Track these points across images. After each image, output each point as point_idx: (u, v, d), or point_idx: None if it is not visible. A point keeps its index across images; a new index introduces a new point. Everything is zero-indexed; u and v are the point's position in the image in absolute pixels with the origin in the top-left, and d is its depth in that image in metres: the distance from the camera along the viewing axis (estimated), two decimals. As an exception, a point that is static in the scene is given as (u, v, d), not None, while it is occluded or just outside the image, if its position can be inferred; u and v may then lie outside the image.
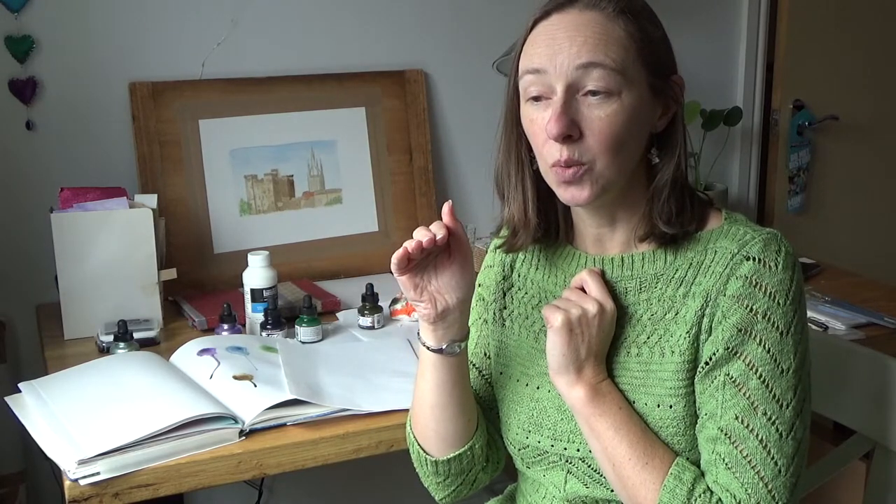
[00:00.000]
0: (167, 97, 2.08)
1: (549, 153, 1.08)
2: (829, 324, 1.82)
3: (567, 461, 1.15)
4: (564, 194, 1.10)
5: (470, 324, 1.22)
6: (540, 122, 1.08)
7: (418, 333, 1.19)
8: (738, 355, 1.04)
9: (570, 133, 1.05)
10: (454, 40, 2.36)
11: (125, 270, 1.79)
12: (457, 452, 1.22)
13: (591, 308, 1.10)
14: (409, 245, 1.10)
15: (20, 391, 1.49)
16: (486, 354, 1.28)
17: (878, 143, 2.96)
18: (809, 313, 1.84)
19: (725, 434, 1.04)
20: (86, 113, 2.06)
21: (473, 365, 1.28)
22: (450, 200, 1.14)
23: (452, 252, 1.14)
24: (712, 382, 1.06)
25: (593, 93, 1.05)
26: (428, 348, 1.17)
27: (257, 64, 2.18)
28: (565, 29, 1.06)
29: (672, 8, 2.60)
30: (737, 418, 1.03)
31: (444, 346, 1.16)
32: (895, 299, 1.99)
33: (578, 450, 1.13)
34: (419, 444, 1.25)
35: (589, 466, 1.13)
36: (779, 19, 2.77)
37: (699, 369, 1.07)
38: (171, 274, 1.85)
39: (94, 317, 1.77)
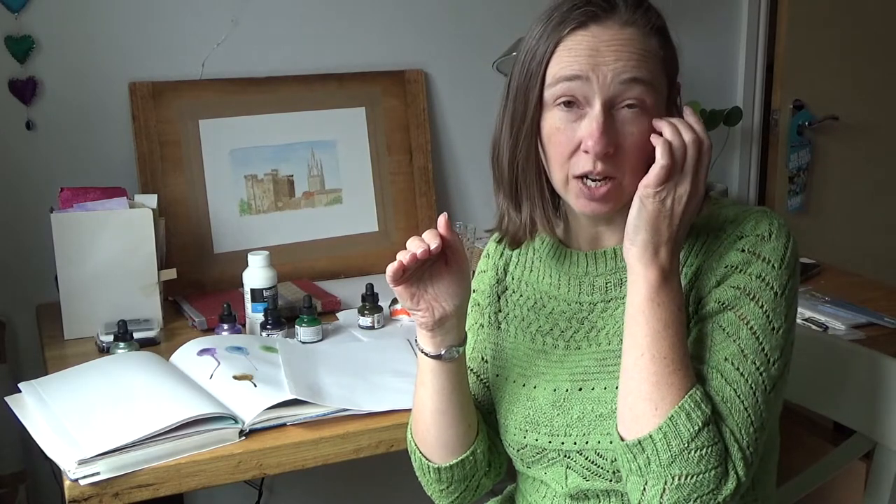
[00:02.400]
0: (167, 97, 2.08)
1: (577, 164, 1.08)
2: (829, 324, 1.81)
3: (565, 456, 1.15)
4: (586, 207, 1.10)
5: (466, 329, 1.22)
6: (568, 133, 1.07)
7: (416, 340, 1.19)
8: (730, 308, 1.05)
9: (608, 150, 1.05)
10: (454, 40, 2.36)
11: (125, 270, 1.79)
12: (459, 458, 1.22)
13: (684, 188, 1.04)
14: (404, 257, 1.10)
15: (20, 391, 1.49)
16: (483, 358, 1.28)
17: (878, 143, 2.96)
18: (809, 313, 1.85)
19: (717, 371, 1.03)
20: (86, 113, 2.06)
21: (471, 370, 1.28)
22: (445, 213, 1.15)
23: (448, 260, 1.14)
24: (700, 330, 1.06)
25: (630, 106, 1.05)
26: (427, 355, 1.17)
27: (257, 64, 2.18)
28: (608, 42, 1.05)
29: (672, 8, 2.60)
30: (727, 360, 1.04)
31: (442, 352, 1.16)
32: (895, 299, 1.99)
33: (575, 443, 1.13)
34: (421, 452, 1.25)
35: (587, 459, 1.13)
36: (779, 19, 2.78)
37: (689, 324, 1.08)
38: (171, 274, 1.85)
39: (94, 317, 1.77)
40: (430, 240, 1.10)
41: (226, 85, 2.14)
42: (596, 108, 1.05)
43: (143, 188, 2.02)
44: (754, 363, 1.03)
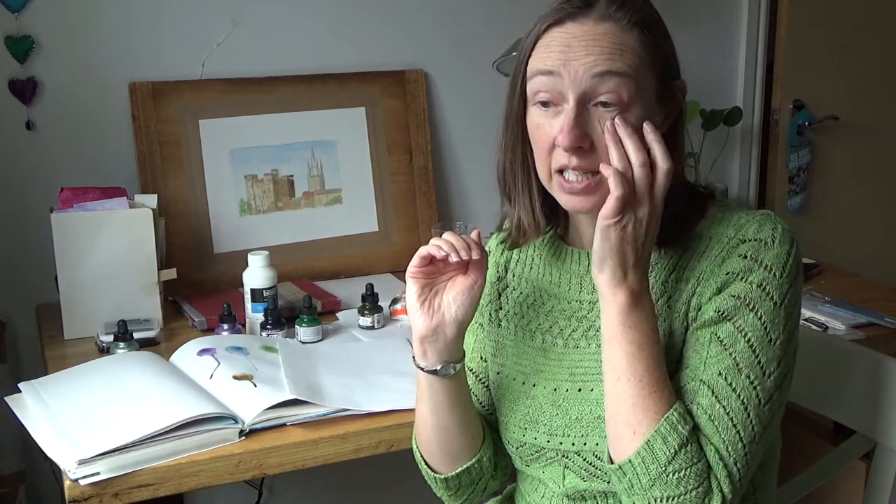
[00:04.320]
0: (167, 97, 2.08)
1: (556, 159, 1.08)
2: (829, 324, 1.81)
3: (564, 456, 1.15)
4: (569, 203, 1.10)
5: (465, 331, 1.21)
6: (547, 129, 1.08)
7: (413, 357, 1.19)
8: (728, 319, 1.05)
9: (582, 145, 1.05)
10: (454, 40, 2.36)
11: (125, 270, 1.79)
12: (465, 466, 1.23)
13: (643, 211, 1.03)
14: (438, 252, 1.10)
15: (20, 391, 1.49)
16: (482, 358, 1.28)
17: (878, 143, 2.96)
18: (809, 313, 1.85)
19: (708, 387, 1.03)
20: (86, 113, 2.06)
21: (471, 371, 1.28)
22: (478, 228, 1.16)
23: (469, 273, 1.14)
24: (697, 340, 1.06)
25: (605, 104, 1.05)
26: (422, 369, 1.17)
27: (257, 64, 2.18)
28: (581, 38, 1.06)
29: (672, 8, 2.60)
30: (720, 374, 1.03)
31: (438, 368, 1.16)
32: (895, 299, 1.99)
33: (573, 443, 1.13)
34: (426, 463, 1.26)
35: (584, 460, 1.13)
36: (779, 19, 2.77)
37: (689, 332, 1.08)
38: (171, 274, 1.85)
39: (94, 317, 1.77)
40: (474, 251, 1.10)
41: (226, 85, 2.14)
42: (570, 103, 1.05)
43: (143, 188, 2.02)
44: (748, 377, 1.03)
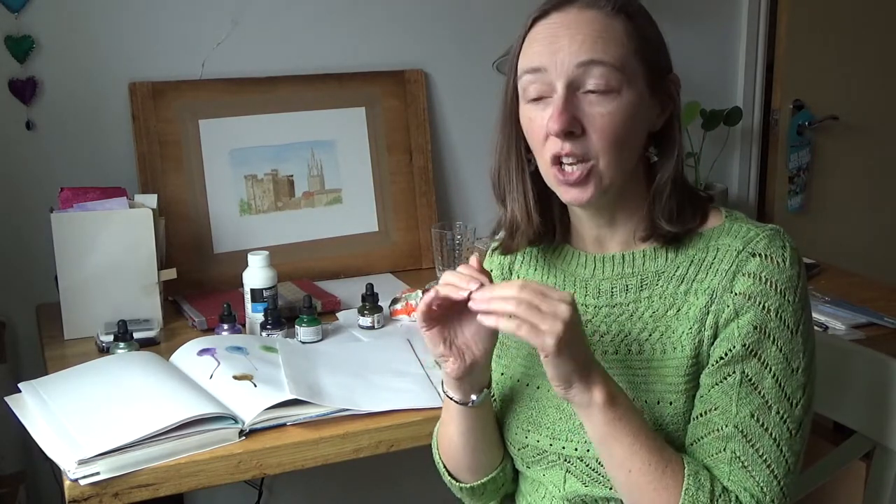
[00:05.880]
0: (167, 97, 2.08)
1: (549, 149, 1.08)
2: (829, 324, 1.81)
3: (565, 460, 1.15)
4: (566, 195, 1.10)
5: None
6: (540, 121, 1.08)
7: (442, 384, 1.17)
8: (754, 354, 1.05)
9: (573, 129, 1.05)
10: (454, 40, 2.36)
11: (125, 270, 1.79)
12: (490, 476, 1.23)
13: (565, 311, 0.98)
14: (434, 301, 1.05)
15: (20, 391, 1.49)
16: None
17: (878, 143, 2.96)
18: (809, 313, 1.84)
19: (741, 432, 1.04)
20: (86, 113, 2.06)
21: None
22: (477, 252, 1.14)
23: None
24: (725, 378, 1.06)
25: (594, 90, 1.05)
26: (454, 401, 1.16)
27: (257, 64, 2.18)
28: (565, 27, 1.07)
29: (672, 8, 2.61)
30: (752, 416, 1.04)
31: (473, 399, 1.14)
32: (895, 299, 1.99)
33: (576, 448, 1.13)
34: (451, 475, 1.26)
35: (587, 465, 1.13)
36: (779, 19, 2.78)
37: (711, 364, 1.07)
38: (171, 274, 1.85)
39: (94, 317, 1.77)
40: (470, 283, 1.04)
41: (226, 85, 2.14)
42: (558, 91, 1.06)
43: (143, 188, 2.02)
44: (778, 412, 1.04)
